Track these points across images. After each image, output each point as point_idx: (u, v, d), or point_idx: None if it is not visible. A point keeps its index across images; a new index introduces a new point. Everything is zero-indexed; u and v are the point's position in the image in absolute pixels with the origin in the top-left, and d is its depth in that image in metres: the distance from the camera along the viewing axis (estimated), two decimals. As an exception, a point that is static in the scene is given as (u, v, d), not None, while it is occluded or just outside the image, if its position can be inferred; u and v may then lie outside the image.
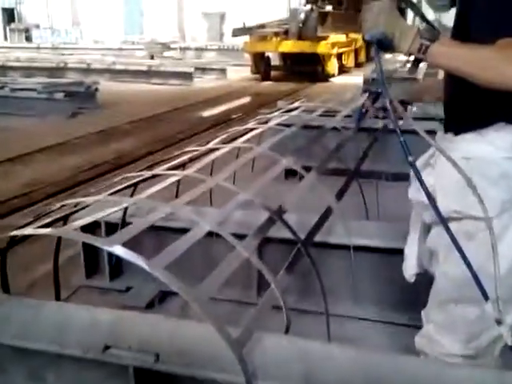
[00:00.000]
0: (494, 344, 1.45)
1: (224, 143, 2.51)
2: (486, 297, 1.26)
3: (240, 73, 15.08)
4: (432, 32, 1.22)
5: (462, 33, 1.29)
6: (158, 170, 2.03)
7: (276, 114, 3.47)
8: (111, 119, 7.77)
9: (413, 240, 1.67)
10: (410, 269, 1.69)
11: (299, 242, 1.79)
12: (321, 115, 3.48)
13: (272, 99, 8.91)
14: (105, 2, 24.06)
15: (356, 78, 11.05)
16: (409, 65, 1.39)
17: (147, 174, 2.00)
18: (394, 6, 1.29)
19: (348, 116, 3.65)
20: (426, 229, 1.61)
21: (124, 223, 2.34)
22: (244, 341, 1.26)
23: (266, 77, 14.38)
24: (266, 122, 3.02)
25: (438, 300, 1.50)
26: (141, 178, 2.04)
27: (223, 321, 1.25)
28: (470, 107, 1.38)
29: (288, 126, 3.00)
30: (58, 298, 2.22)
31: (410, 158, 1.31)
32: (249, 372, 1.22)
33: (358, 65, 16.78)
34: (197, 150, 2.43)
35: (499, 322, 1.20)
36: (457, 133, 1.42)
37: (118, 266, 2.76)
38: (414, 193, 1.54)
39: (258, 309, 1.39)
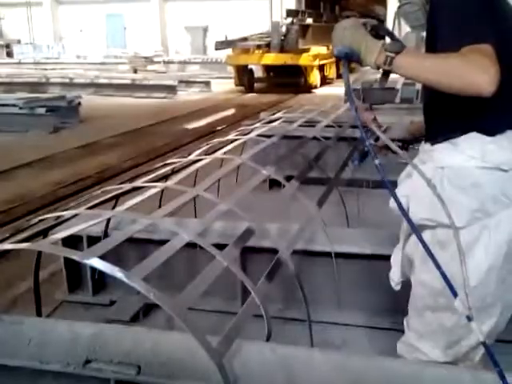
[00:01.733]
0: (473, 350, 1.47)
1: (206, 154, 2.53)
2: (455, 295, 1.27)
3: (224, 85, 15.17)
4: (396, 45, 1.27)
5: (432, 50, 1.34)
6: (139, 183, 2.04)
7: (258, 125, 3.50)
8: (94, 133, 7.75)
9: (398, 249, 1.70)
10: (395, 277, 1.71)
11: (280, 251, 1.80)
12: (301, 125, 3.52)
13: (256, 111, 8.97)
14: (87, 17, 24.06)
15: (338, 89, 11.17)
16: (379, 76, 1.43)
17: (127, 186, 2.01)
18: (359, 23, 1.36)
19: (328, 126, 3.71)
20: (408, 237, 1.64)
21: (106, 236, 2.33)
22: (224, 350, 1.27)
23: (249, 89, 14.51)
24: (248, 133, 3.04)
25: (416, 308, 1.53)
26: (122, 191, 2.04)
27: (204, 330, 1.26)
28: (443, 118, 1.43)
29: (269, 136, 3.03)
30: (39, 314, 2.19)
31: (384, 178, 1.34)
32: (229, 381, 1.22)
33: (340, 76, 16.98)
34: (179, 162, 2.44)
35: (469, 318, 1.22)
36: (433, 143, 1.46)
37: (101, 280, 2.74)
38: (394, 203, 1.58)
39: (238, 317, 1.39)
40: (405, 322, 1.62)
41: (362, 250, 2.35)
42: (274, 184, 4.10)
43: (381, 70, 1.36)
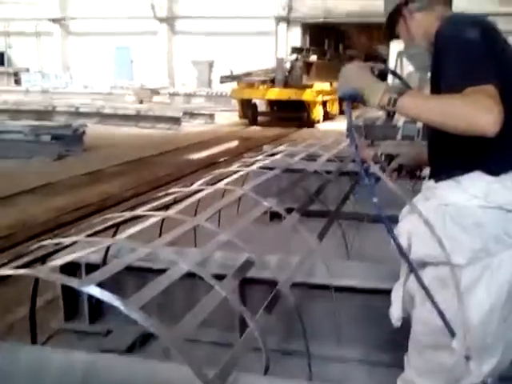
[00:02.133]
0: None
1: (208, 185, 2.55)
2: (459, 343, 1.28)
3: (228, 118, 15.36)
4: (400, 87, 1.33)
5: (437, 91, 1.38)
6: (139, 211, 2.05)
7: (260, 157, 3.53)
8: (98, 162, 7.81)
9: (398, 285, 1.69)
10: (395, 313, 1.69)
11: (279, 283, 1.79)
12: (303, 159, 3.56)
13: (259, 143, 9.05)
14: (95, 48, 24.59)
15: (340, 124, 11.31)
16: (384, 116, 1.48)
17: (128, 214, 2.01)
18: (364, 66, 1.41)
19: (330, 160, 3.74)
20: (409, 274, 1.64)
21: (105, 264, 2.32)
22: (221, 382, 1.25)
23: (253, 122, 14.70)
24: (250, 165, 3.07)
25: (416, 345, 1.51)
26: (122, 219, 2.04)
27: (201, 362, 1.24)
28: (447, 155, 1.45)
29: (271, 169, 3.05)
30: (34, 342, 2.17)
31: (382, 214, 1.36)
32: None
33: (342, 112, 17.23)
34: (181, 192, 2.45)
35: (468, 358, 1.21)
36: (437, 180, 1.48)
37: (98, 309, 2.71)
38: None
39: (235, 350, 1.38)
40: (405, 359, 1.60)
41: (362, 284, 2.33)
42: (274, 216, 4.10)
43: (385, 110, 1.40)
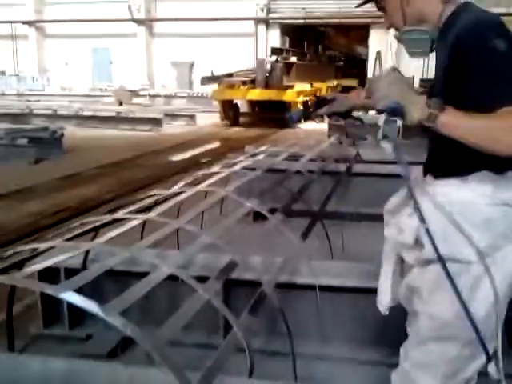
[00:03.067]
0: (469, 383, 1.47)
1: (190, 187, 2.51)
2: (478, 333, 1.28)
3: (209, 119, 15.29)
4: (439, 103, 1.29)
5: (450, 90, 1.37)
6: (120, 214, 2.00)
7: (242, 158, 3.51)
8: (76, 165, 7.68)
9: (387, 274, 1.69)
10: (384, 302, 1.70)
11: (263, 284, 1.77)
12: (286, 159, 3.54)
13: (241, 144, 9.02)
14: (73, 50, 24.26)
15: (321, 125, 11.34)
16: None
17: (108, 217, 1.97)
18: (404, 78, 1.37)
19: (312, 160, 3.74)
20: (400, 264, 1.65)
21: (84, 269, 2.27)
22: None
23: (234, 123, 14.66)
24: (233, 166, 3.04)
25: (418, 338, 1.50)
26: (102, 222, 2.00)
27: (185, 365, 1.21)
28: (454, 154, 1.43)
29: (253, 169, 3.03)
30: (11, 349, 2.10)
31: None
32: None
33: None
34: (161, 194, 2.41)
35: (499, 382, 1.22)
36: (437, 176, 1.47)
37: (78, 314, 2.65)
38: (395, 233, 1.58)
39: (219, 353, 1.35)
40: (401, 353, 1.59)
41: (346, 282, 2.32)
42: (258, 217, 4.08)
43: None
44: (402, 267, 1.66)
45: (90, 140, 10.52)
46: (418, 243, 1.46)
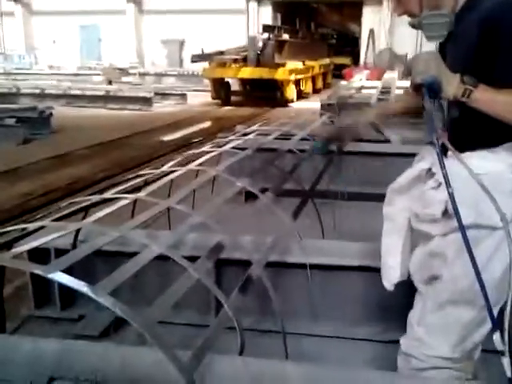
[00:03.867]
0: (474, 349, 1.54)
1: (180, 166, 2.49)
2: (487, 300, 1.31)
3: (200, 98, 15.16)
4: (473, 79, 1.37)
5: (479, 68, 1.41)
6: (109, 194, 1.98)
7: (233, 137, 3.48)
8: (66, 145, 7.61)
9: (396, 249, 1.73)
10: (392, 277, 1.74)
11: (253, 263, 1.77)
12: (277, 138, 3.52)
13: (232, 123, 8.96)
14: (61, 28, 23.81)
15: (314, 104, 11.28)
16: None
17: (97, 197, 1.95)
18: (439, 57, 1.43)
19: (303, 139, 3.72)
20: (409, 238, 1.70)
21: (74, 249, 2.26)
22: (195, 365, 1.22)
23: (226, 102, 14.55)
24: (223, 145, 3.02)
25: (437, 301, 1.54)
26: (91, 202, 1.98)
27: (177, 344, 1.22)
28: (483, 127, 1.47)
29: (244, 149, 3.01)
30: (2, 331, 2.10)
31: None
32: (200, 397, 1.18)
33: (316, 91, 17.21)
34: (152, 173, 2.39)
35: (503, 354, 1.23)
36: (462, 150, 1.48)
37: (70, 294, 2.65)
38: (417, 207, 1.61)
39: (210, 331, 1.35)
40: (410, 317, 1.64)
41: (337, 261, 2.34)
42: (249, 196, 4.08)
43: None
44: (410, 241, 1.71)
45: (78, 119, 10.40)
46: (445, 215, 1.49)
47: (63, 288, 2.58)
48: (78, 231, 2.18)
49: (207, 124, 10.53)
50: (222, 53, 14.93)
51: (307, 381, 1.34)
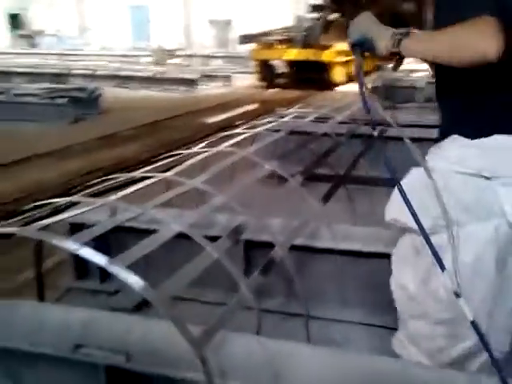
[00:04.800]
0: (464, 362, 1.45)
1: (210, 147, 2.53)
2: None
3: (246, 80, 15.12)
4: (406, 31, 1.31)
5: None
6: (138, 173, 2.05)
7: (270, 119, 3.49)
8: (114, 125, 7.82)
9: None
10: None
11: (276, 245, 1.79)
12: (313, 121, 3.49)
13: (276, 106, 8.94)
14: (112, 9, 24.27)
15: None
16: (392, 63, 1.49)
17: (127, 175, 2.02)
18: (372, 15, 1.43)
19: (342, 123, 3.67)
20: None
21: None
22: (206, 340, 1.27)
23: (271, 84, 14.40)
24: (256, 128, 3.03)
25: (399, 312, 1.54)
26: (118, 180, 2.05)
27: (189, 320, 1.27)
28: (444, 120, 1.44)
29: (278, 131, 3.01)
30: (41, 299, 2.23)
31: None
32: (210, 372, 1.22)
33: (365, 73, 16.77)
34: (182, 154, 2.44)
35: (457, 295, 1.19)
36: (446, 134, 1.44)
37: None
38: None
39: (225, 309, 1.39)
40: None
41: (366, 247, 2.31)
42: (283, 180, 4.08)
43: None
44: None
45: (126, 100, 10.65)
46: None
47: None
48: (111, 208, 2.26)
49: (251, 106, 10.54)
50: (268, 34, 14.78)
51: (320, 364, 1.35)
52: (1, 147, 6.21)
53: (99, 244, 1.50)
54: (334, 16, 15.88)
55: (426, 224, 1.27)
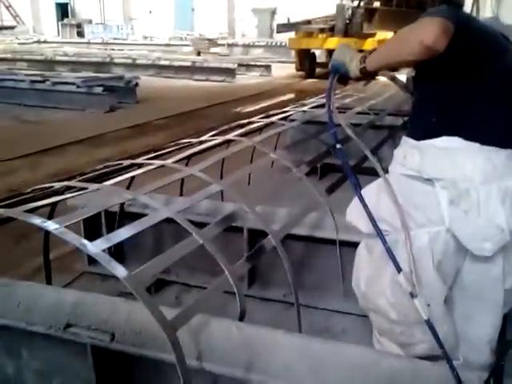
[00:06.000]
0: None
1: (217, 136, 2.55)
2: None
3: (285, 70, 15.04)
4: (370, 51, 1.48)
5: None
6: (140, 160, 2.10)
7: (287, 108, 3.47)
8: (147, 114, 7.98)
9: None
10: None
11: (270, 234, 1.80)
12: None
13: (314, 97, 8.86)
14: (157, -1, 24.57)
15: (403, 77, 10.78)
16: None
17: (127, 162, 2.07)
18: (349, 45, 1.63)
19: (361, 113, 3.61)
20: None
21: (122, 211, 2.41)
22: (180, 322, 1.29)
23: (310, 74, 14.22)
24: (272, 116, 3.03)
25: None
26: (121, 166, 2.11)
27: (161, 303, 1.30)
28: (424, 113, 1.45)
29: (293, 120, 3.00)
30: (49, 283, 2.33)
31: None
32: (182, 354, 1.24)
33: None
34: (191, 142, 2.48)
35: (412, 295, 1.19)
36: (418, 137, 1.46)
37: (120, 253, 2.85)
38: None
39: (203, 294, 1.42)
40: None
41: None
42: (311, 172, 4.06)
43: None
44: None
45: (163, 90, 10.82)
46: None
47: (112, 247, 2.78)
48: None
49: (287, 97, 10.48)
50: (309, 22, 14.58)
51: (295, 351, 1.36)
52: (33, 135, 6.44)
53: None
54: (376, 4, 15.52)
55: (364, 225, 1.37)
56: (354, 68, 1.47)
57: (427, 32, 1.16)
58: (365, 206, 1.32)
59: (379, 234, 1.28)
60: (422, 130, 1.33)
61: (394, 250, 1.30)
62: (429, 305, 1.27)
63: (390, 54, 1.33)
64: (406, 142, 1.35)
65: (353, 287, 1.56)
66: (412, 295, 1.19)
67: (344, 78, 1.59)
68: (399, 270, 1.22)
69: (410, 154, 1.30)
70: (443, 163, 1.26)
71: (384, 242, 1.25)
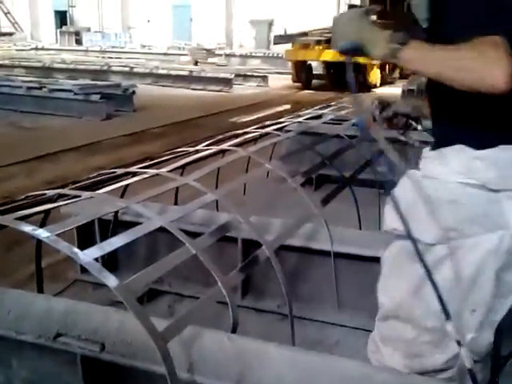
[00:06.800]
0: (434, 373, 1.40)
1: (212, 145, 2.55)
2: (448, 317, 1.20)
3: (282, 81, 15.12)
4: (403, 36, 1.17)
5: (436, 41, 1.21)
6: (134, 168, 2.10)
7: (282, 119, 3.48)
8: (144, 122, 7.98)
9: None
10: None
11: (263, 245, 1.79)
12: (327, 122, 3.46)
13: (309, 108, 8.90)
14: (155, 8, 24.70)
15: (398, 89, 10.85)
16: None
17: (121, 170, 2.07)
18: (361, 13, 1.26)
19: (355, 125, 3.62)
20: None
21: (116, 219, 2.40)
22: (171, 334, 1.28)
23: (306, 85, 14.32)
24: (266, 127, 3.04)
25: (382, 312, 1.48)
26: (115, 175, 2.10)
27: (151, 313, 1.29)
28: (439, 124, 1.36)
29: (288, 131, 3.01)
30: (40, 291, 2.30)
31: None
32: (171, 364, 1.23)
33: (403, 76, 16.48)
34: (186, 151, 2.48)
35: (459, 343, 1.16)
36: (431, 149, 1.38)
37: (113, 262, 2.83)
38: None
39: (195, 304, 1.41)
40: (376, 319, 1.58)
41: (362, 251, 2.28)
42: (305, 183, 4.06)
43: None
44: None
45: (161, 98, 10.84)
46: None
47: (105, 255, 2.76)
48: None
49: (283, 107, 10.53)
50: (305, 34, 14.69)
51: (287, 364, 1.35)
52: (29, 142, 6.42)
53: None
54: (372, 17, 15.66)
55: (430, 235, 1.24)
56: (378, 56, 1.20)
57: (499, 75, 1.03)
58: (400, 213, 1.21)
59: (413, 242, 1.21)
60: (477, 139, 1.24)
61: (445, 258, 1.27)
62: (474, 310, 1.25)
63: (441, 69, 1.13)
64: (464, 151, 1.25)
65: (378, 295, 1.50)
66: (459, 343, 1.16)
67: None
68: (436, 287, 1.18)
69: (474, 165, 1.23)
70: (508, 174, 1.21)
71: (419, 253, 1.19)
